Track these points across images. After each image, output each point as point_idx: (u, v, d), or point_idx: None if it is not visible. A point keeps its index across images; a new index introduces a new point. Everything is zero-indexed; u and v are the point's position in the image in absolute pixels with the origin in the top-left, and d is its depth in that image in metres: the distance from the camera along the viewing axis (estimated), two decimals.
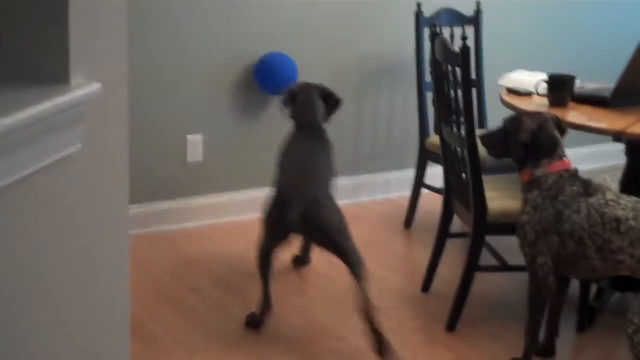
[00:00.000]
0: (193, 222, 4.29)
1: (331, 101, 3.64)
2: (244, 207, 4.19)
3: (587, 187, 2.90)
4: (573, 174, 2.95)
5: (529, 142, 2.97)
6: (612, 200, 2.83)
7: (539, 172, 2.97)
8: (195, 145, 4.25)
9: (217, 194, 4.29)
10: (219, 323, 3.33)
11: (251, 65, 4.30)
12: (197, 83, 4.20)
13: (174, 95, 4.16)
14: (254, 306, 3.46)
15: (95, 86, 1.70)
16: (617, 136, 3.22)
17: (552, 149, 2.96)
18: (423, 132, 4.30)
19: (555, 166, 2.95)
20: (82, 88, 1.67)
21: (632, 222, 2.74)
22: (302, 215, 3.12)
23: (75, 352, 1.87)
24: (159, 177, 4.19)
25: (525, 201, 2.99)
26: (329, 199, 3.26)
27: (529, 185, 2.99)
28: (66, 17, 1.67)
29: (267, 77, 4.25)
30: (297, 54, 4.39)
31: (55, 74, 1.68)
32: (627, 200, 2.82)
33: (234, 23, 4.24)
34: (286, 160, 3.48)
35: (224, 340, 3.21)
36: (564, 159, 2.97)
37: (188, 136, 4.21)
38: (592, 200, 2.85)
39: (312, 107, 3.58)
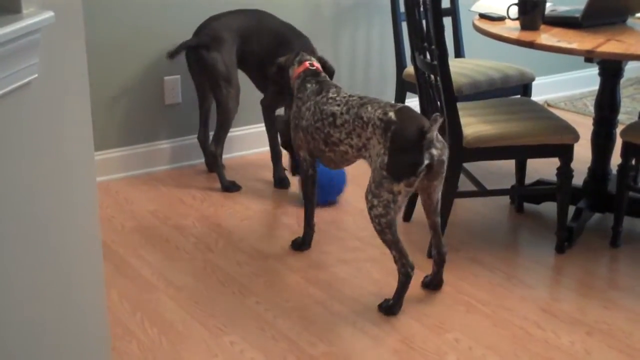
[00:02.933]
0: (173, 164, 4.32)
1: None
2: (225, 147, 4.18)
3: (321, 86, 3.20)
4: (313, 73, 3.27)
5: (278, 72, 3.41)
6: (331, 97, 3.11)
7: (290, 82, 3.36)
8: (172, 87, 4.25)
9: (196, 135, 4.29)
10: (203, 259, 3.37)
11: None
12: (175, 24, 4.18)
13: (151, 36, 4.14)
14: (237, 244, 3.50)
15: (47, 14, 1.71)
16: (588, 56, 3.22)
17: (293, 57, 3.35)
18: (400, 64, 4.30)
19: (297, 70, 3.31)
20: (34, 16, 1.68)
21: (346, 116, 3.01)
22: (193, 45, 3.86)
23: (45, 277, 1.91)
24: (137, 120, 4.20)
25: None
26: (220, 52, 3.84)
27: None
28: None
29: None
30: None
31: (6, 4, 1.68)
32: (342, 97, 3.10)
33: None
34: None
35: (209, 276, 3.25)
36: (305, 62, 3.30)
37: (165, 78, 4.20)
38: (318, 98, 3.14)
39: None
